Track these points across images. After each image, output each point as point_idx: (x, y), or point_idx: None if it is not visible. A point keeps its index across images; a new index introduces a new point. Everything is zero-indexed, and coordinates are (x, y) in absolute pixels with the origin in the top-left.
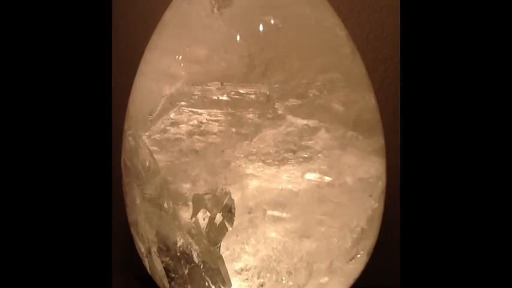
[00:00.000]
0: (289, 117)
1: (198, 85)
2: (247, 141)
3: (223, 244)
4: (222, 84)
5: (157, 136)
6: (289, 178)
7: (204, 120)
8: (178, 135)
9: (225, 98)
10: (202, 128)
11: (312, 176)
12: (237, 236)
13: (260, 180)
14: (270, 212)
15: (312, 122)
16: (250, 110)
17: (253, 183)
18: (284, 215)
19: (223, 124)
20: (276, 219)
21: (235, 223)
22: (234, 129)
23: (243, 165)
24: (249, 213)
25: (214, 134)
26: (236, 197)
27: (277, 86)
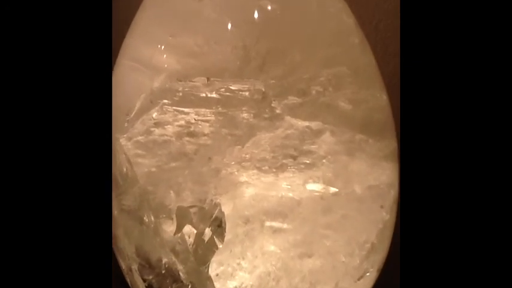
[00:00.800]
0: (289, 117)
1: (181, 81)
2: (239, 146)
3: (215, 259)
4: (208, 79)
5: (140, 138)
6: (289, 186)
7: (193, 121)
8: (165, 137)
9: (214, 95)
10: (192, 129)
11: (314, 187)
12: (231, 250)
13: (257, 188)
14: (268, 223)
15: (314, 124)
16: (243, 109)
17: (249, 191)
18: (284, 225)
19: (214, 125)
20: (276, 231)
21: (229, 236)
22: (225, 131)
23: (236, 172)
24: (245, 224)
25: (205, 135)
26: (229, 208)
27: (274, 81)
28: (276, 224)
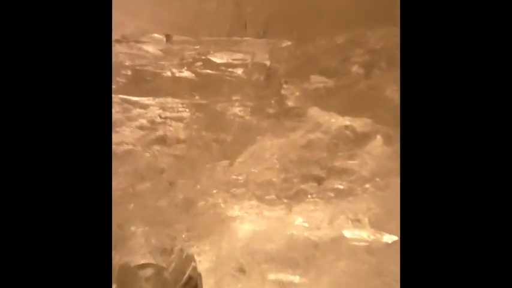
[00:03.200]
0: (314, 111)
1: (121, 41)
2: (226, 162)
3: None
4: (168, 37)
5: None
6: (306, 224)
7: (158, 119)
8: (127, 146)
9: (186, 74)
10: (158, 134)
11: (356, 234)
12: None
13: (256, 224)
14: (273, 276)
15: (359, 122)
16: (235, 98)
17: (244, 229)
18: (296, 279)
19: (187, 126)
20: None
21: None
22: (205, 136)
23: (221, 204)
24: (239, 276)
25: (180, 142)
26: (211, 257)
27: (287, 51)
28: (283, 277)
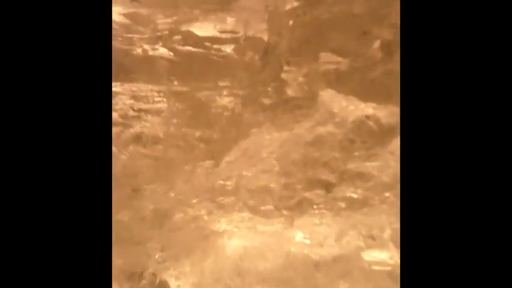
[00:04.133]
0: (325, 95)
1: None
2: (211, 162)
3: None
4: None
5: None
6: (308, 241)
7: (131, 112)
8: None
9: (161, 51)
10: (134, 130)
11: (375, 255)
12: None
13: (247, 240)
14: None
15: (385, 111)
16: (222, 84)
17: (233, 245)
18: None
19: (163, 122)
20: None
21: None
22: (187, 133)
23: (205, 216)
24: None
25: (156, 142)
26: (193, 280)
27: (293, 18)
28: None
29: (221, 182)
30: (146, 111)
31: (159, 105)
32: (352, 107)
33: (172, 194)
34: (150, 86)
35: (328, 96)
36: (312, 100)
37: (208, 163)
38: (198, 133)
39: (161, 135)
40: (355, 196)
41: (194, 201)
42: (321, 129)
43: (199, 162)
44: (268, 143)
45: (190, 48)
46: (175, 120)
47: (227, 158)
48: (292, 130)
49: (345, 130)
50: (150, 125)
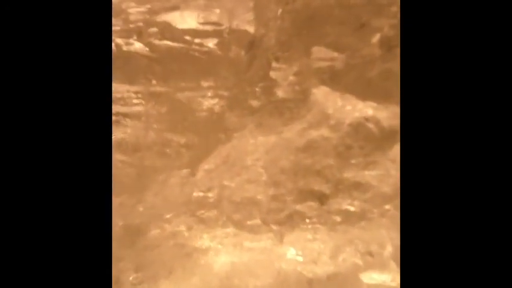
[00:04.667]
0: (319, 93)
1: None
2: (187, 171)
3: None
4: None
5: None
6: (300, 258)
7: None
8: None
9: (136, 46)
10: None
11: (372, 277)
12: None
13: (235, 256)
14: None
15: (386, 112)
16: (206, 84)
17: (220, 261)
18: None
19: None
20: None
21: None
22: (167, 138)
23: (185, 232)
24: None
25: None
26: None
27: (282, 6)
28: None
29: (200, 194)
30: (125, 115)
31: (137, 108)
32: (349, 107)
33: (141, 209)
34: (126, 87)
35: (322, 94)
36: (304, 99)
37: (185, 174)
38: (178, 138)
39: (139, 141)
40: (352, 209)
41: (167, 216)
42: (314, 133)
43: (174, 171)
44: (253, 148)
45: (168, 42)
46: (155, 126)
47: (206, 166)
48: (280, 134)
49: (341, 134)
50: (130, 131)
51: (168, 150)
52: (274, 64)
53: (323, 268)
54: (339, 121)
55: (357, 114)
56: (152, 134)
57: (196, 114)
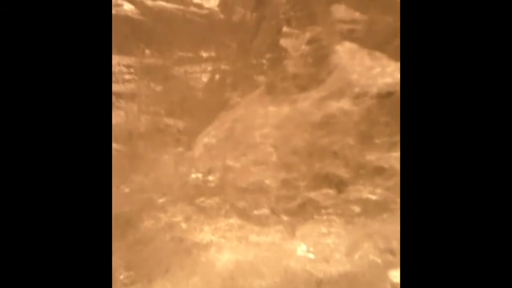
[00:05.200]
0: (343, 51)
1: None
2: (180, 149)
3: None
4: None
5: None
6: (311, 255)
7: None
8: None
9: (126, 8)
10: None
11: (394, 275)
12: None
13: (238, 253)
14: None
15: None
16: (206, 55)
17: (223, 260)
18: None
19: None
20: None
21: None
22: (153, 112)
23: (182, 223)
24: None
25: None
26: None
27: None
28: None
29: (199, 175)
30: (118, 95)
31: (131, 86)
32: (378, 69)
33: (127, 190)
34: (116, 58)
35: (346, 52)
36: (324, 59)
37: (178, 153)
38: (176, 123)
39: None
40: (373, 197)
41: (160, 200)
42: (333, 105)
43: (172, 150)
44: (262, 121)
45: (162, 3)
46: (151, 108)
47: (205, 139)
48: (294, 104)
49: (365, 107)
50: (124, 114)
51: (166, 137)
52: (285, 29)
53: (336, 267)
54: (363, 89)
55: (387, 80)
56: (148, 118)
57: (196, 94)
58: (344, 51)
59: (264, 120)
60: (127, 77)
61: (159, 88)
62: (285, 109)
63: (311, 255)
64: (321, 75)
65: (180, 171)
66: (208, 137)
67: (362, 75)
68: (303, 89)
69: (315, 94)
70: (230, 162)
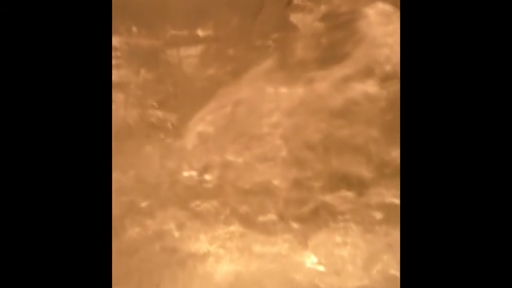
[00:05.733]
0: (375, 15)
1: None
2: (169, 140)
3: None
4: None
5: None
6: (322, 267)
7: None
8: None
9: None
10: None
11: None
12: None
13: (238, 264)
14: None
15: None
16: (202, 34)
17: (223, 270)
18: None
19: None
20: None
21: None
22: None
23: (174, 232)
24: None
25: None
26: None
27: None
28: None
29: (193, 173)
30: None
31: (118, 73)
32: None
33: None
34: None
35: (378, 16)
36: (351, 24)
37: (167, 141)
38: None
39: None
40: (398, 202)
41: (143, 204)
42: (357, 87)
43: (152, 137)
44: (271, 106)
45: None
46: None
47: (199, 126)
48: (310, 86)
49: (396, 90)
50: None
51: (148, 123)
52: (296, 0)
53: (350, 281)
54: (395, 68)
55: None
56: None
57: (192, 84)
58: (376, 15)
59: (273, 105)
60: (113, 61)
61: (149, 76)
62: (299, 90)
63: (321, 268)
64: (345, 49)
65: (167, 167)
66: (203, 124)
67: (395, 50)
68: (322, 67)
69: (336, 72)
70: (231, 158)
